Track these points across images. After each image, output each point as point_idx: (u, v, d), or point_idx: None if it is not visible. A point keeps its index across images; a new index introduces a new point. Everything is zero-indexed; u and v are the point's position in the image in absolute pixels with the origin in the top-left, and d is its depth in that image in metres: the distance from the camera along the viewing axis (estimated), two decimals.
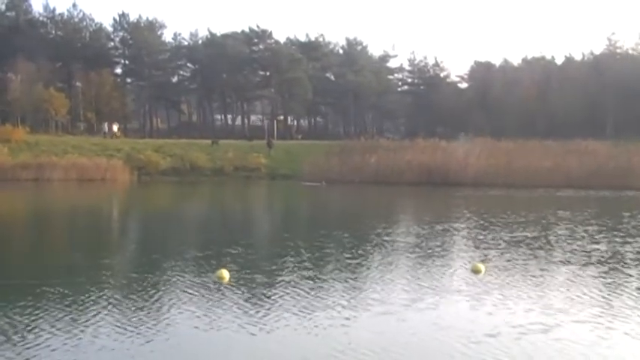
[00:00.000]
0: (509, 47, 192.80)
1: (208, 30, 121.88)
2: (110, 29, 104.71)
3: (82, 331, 10.92)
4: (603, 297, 13.72)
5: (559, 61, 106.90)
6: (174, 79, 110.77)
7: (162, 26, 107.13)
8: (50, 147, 66.45)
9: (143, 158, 65.23)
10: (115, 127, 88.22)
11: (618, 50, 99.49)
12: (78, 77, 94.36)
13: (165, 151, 68.56)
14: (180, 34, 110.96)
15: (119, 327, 11.12)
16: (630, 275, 15.98)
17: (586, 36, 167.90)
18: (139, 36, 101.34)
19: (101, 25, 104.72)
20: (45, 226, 28.99)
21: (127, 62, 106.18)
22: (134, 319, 11.65)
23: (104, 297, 13.30)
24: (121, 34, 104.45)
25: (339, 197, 47.24)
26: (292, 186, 56.30)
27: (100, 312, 12.08)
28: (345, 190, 51.56)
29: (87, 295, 13.45)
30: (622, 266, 17.17)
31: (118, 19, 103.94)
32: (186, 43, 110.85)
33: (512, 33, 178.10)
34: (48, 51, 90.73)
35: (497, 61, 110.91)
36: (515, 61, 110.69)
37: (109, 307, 12.50)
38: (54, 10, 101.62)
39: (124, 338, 10.51)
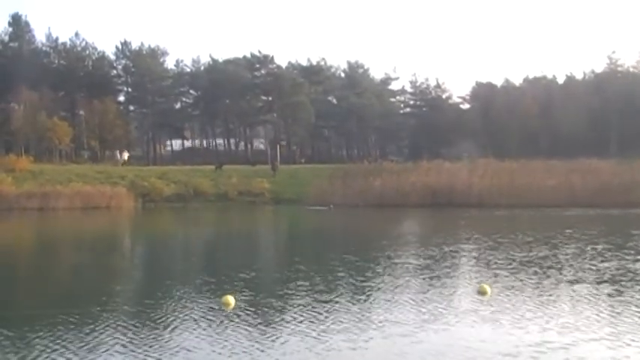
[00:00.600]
0: (511, 67, 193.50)
1: (210, 56, 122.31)
2: (113, 57, 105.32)
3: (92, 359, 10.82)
4: (614, 315, 13.61)
5: (560, 80, 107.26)
6: (177, 106, 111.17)
7: (164, 53, 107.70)
8: (54, 176, 66.59)
9: (147, 185, 65.31)
10: (126, 155, 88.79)
11: (619, 68, 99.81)
12: (81, 106, 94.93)
13: (169, 178, 68.63)
14: (182, 61, 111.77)
15: (128, 355, 11.01)
16: (636, 293, 15.89)
17: (587, 55, 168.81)
18: (142, 63, 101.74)
19: (104, 53, 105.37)
20: (52, 255, 28.90)
21: (129, 90, 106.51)
22: (143, 347, 11.53)
23: (113, 325, 13.20)
24: (123, 61, 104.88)
25: (346, 220, 47.08)
26: (298, 210, 56.12)
27: (109, 340, 11.98)
28: (352, 213, 51.42)
29: (96, 323, 13.35)
30: (632, 284, 17.05)
31: (120, 47, 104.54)
32: (188, 70, 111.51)
33: (513, 53, 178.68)
34: (51, 80, 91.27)
35: (498, 82, 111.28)
36: (517, 80, 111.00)
37: (118, 335, 12.40)
38: (57, 39, 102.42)
39: None
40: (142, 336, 12.39)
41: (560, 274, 18.93)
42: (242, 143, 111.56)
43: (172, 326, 13.18)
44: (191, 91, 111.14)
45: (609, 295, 15.79)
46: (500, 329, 12.58)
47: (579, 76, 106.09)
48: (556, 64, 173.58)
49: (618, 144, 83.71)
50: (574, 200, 51.44)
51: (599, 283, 17.32)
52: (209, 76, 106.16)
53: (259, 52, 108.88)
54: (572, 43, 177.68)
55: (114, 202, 60.34)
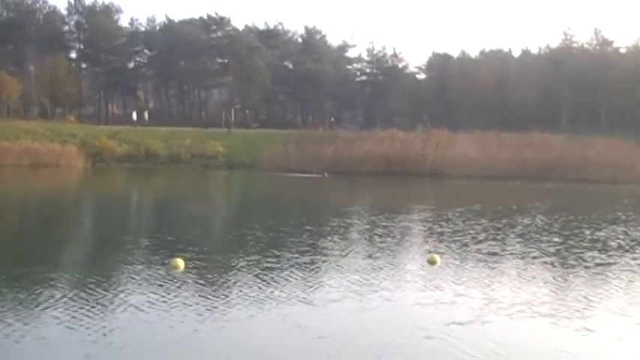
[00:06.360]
0: (467, 39, 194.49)
1: (166, 16, 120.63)
2: (64, 12, 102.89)
3: (26, 325, 10.31)
4: (560, 289, 13.74)
5: (516, 53, 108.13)
6: (131, 65, 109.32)
7: (118, 11, 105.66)
8: (2, 132, 64.71)
9: (98, 144, 64.15)
10: (146, 114, 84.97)
11: (574, 45, 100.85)
12: (31, 61, 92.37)
13: (121, 138, 67.47)
14: (137, 20, 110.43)
15: (68, 321, 10.55)
16: (582, 267, 16.07)
17: (543, 30, 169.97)
18: (95, 20, 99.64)
19: (55, 8, 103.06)
20: None
21: (82, 47, 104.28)
22: (84, 312, 11.09)
23: (53, 289, 12.70)
24: (75, 17, 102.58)
25: (301, 187, 46.98)
26: (256, 176, 55.82)
27: (48, 306, 11.44)
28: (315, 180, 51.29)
29: (41, 284, 12.90)
30: (580, 259, 17.20)
31: (72, 2, 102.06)
32: (143, 29, 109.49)
33: (470, 25, 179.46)
34: None
35: (455, 53, 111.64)
36: (473, 53, 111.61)
37: (58, 300, 11.90)
38: None
39: (72, 333, 9.97)
40: (89, 297, 12.01)
41: (511, 245, 19.08)
42: (196, 105, 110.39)
43: (121, 288, 12.87)
44: (145, 51, 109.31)
45: (557, 269, 15.94)
46: (445, 298, 12.60)
47: (535, 51, 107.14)
48: (512, 38, 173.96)
49: (569, 119, 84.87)
50: (526, 173, 52.09)
51: (547, 256, 17.47)
52: (164, 36, 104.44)
53: (216, 13, 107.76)
54: (528, 17, 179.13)
55: (63, 161, 59.04)
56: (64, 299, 11.86)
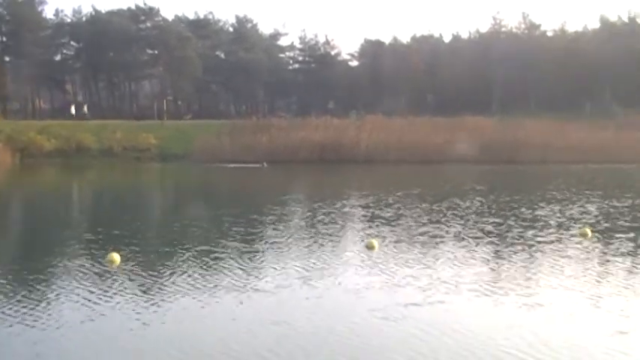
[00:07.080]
0: (399, 25, 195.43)
1: (92, 7, 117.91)
2: None
3: None
4: (502, 267, 13.97)
5: (447, 39, 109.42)
6: (57, 58, 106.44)
7: (42, 2, 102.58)
8: None
9: (25, 140, 62.35)
10: (85, 107, 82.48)
11: (503, 29, 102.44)
12: None
13: (50, 132, 65.71)
14: (62, 11, 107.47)
15: (15, 320, 10.17)
16: (524, 245, 16.34)
17: (472, 14, 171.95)
18: (17, 11, 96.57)
19: None
20: None
21: (4, 39, 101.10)
22: (29, 311, 10.72)
23: None
24: None
25: (236, 178, 46.58)
26: (190, 167, 55.17)
27: None
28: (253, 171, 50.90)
29: None
30: (511, 240, 17.40)
31: None
32: (69, 20, 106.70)
33: (401, 11, 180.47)
34: None
35: (387, 39, 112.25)
36: (405, 39, 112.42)
37: (1, 299, 11.51)
38: None
39: (20, 333, 9.61)
40: (32, 295, 11.64)
41: (453, 227, 19.25)
42: (127, 98, 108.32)
43: (64, 284, 12.52)
44: (72, 43, 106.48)
45: (499, 248, 16.20)
46: (393, 281, 12.67)
47: (465, 36, 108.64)
48: (443, 23, 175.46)
49: (500, 102, 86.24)
50: (460, 156, 52.65)
51: (489, 236, 17.72)
52: (91, 27, 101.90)
53: (144, 3, 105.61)
54: (458, 1, 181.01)
55: None
56: (7, 298, 11.46)
